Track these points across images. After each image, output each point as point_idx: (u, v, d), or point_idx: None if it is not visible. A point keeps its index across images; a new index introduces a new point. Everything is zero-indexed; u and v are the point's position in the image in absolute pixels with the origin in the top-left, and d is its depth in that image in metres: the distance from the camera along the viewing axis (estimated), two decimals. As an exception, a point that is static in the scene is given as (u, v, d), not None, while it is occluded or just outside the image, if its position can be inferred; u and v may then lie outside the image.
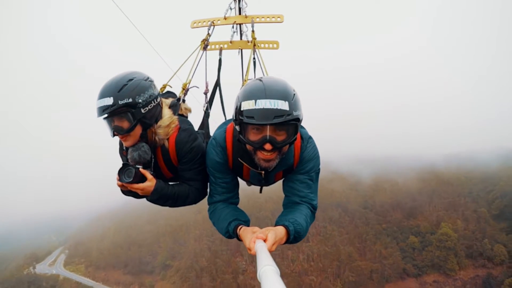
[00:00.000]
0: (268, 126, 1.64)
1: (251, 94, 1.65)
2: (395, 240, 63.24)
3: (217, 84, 3.20)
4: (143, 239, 70.87)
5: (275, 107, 1.57)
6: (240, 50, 4.10)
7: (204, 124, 2.90)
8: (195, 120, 2.76)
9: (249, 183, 2.40)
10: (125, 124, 1.96)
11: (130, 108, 1.92)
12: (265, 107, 1.58)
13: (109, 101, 1.86)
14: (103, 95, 1.88)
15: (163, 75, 3.05)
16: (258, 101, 1.59)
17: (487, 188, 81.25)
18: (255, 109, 1.59)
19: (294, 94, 1.68)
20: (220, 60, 3.55)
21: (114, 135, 2.00)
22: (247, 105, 1.62)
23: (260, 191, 2.50)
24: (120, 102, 1.87)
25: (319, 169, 2.14)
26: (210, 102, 3.08)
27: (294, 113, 1.63)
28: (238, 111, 1.68)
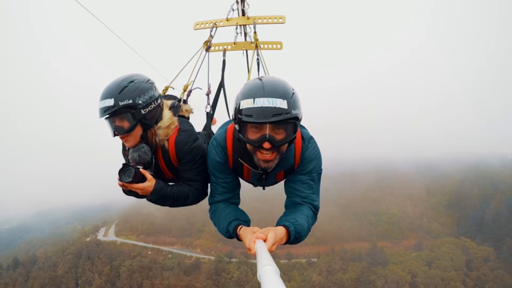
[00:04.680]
0: (267, 125, 1.63)
1: (250, 92, 1.64)
2: (357, 217, 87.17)
3: (221, 85, 3.18)
4: (182, 214, 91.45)
5: (274, 106, 1.56)
6: (245, 51, 4.12)
7: (207, 125, 2.89)
8: (199, 122, 2.75)
9: (253, 184, 2.39)
10: (126, 124, 2.01)
11: (131, 109, 1.96)
12: (263, 105, 1.57)
13: (110, 102, 1.91)
14: (104, 96, 1.93)
15: (161, 80, 3.00)
16: (256, 99, 1.58)
17: (443, 185, 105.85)
18: (253, 107, 1.58)
19: (293, 93, 1.66)
20: (224, 61, 3.50)
21: (115, 135, 2.04)
22: (245, 104, 1.62)
23: (263, 188, 2.42)
24: (121, 103, 1.91)
25: (321, 169, 2.11)
26: (213, 104, 3.04)
27: (293, 111, 1.61)
28: (237, 110, 1.68)
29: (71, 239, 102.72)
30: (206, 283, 60.32)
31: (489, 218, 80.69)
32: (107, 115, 1.97)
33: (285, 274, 59.61)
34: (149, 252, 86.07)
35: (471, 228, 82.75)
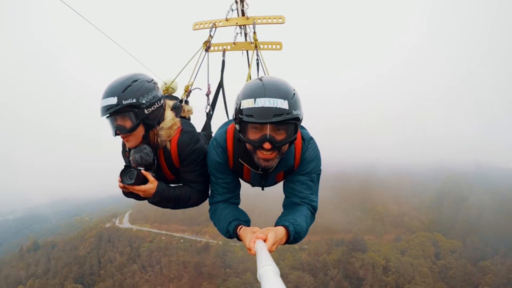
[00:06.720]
0: (268, 125, 1.64)
1: (251, 92, 1.65)
2: (346, 213, 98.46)
3: (220, 85, 3.19)
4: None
5: (274, 106, 1.56)
6: (245, 52, 4.10)
7: (207, 125, 2.90)
8: (199, 122, 2.77)
9: (252, 184, 2.41)
10: (128, 124, 1.99)
11: (134, 108, 1.94)
12: (264, 105, 1.57)
13: (113, 100, 1.89)
14: (107, 94, 1.91)
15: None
16: (257, 99, 1.59)
17: (427, 188, 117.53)
18: (254, 107, 1.59)
19: (294, 94, 1.67)
20: (223, 62, 3.49)
21: (116, 134, 2.01)
22: (246, 104, 1.62)
23: (262, 189, 2.44)
24: (124, 102, 1.89)
25: (320, 170, 2.11)
26: (213, 104, 3.05)
27: (293, 112, 1.61)
28: (238, 110, 1.68)
29: (87, 227, 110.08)
30: (215, 260, 72.47)
31: (461, 217, 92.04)
32: (109, 114, 1.95)
33: (280, 255, 71.52)
34: (163, 238, 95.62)
35: (445, 225, 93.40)
